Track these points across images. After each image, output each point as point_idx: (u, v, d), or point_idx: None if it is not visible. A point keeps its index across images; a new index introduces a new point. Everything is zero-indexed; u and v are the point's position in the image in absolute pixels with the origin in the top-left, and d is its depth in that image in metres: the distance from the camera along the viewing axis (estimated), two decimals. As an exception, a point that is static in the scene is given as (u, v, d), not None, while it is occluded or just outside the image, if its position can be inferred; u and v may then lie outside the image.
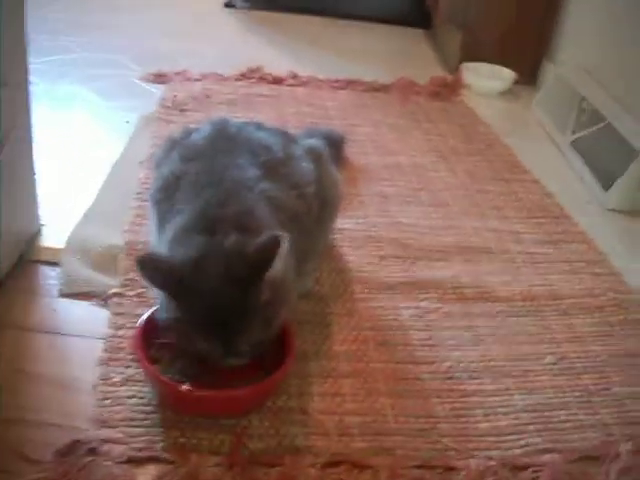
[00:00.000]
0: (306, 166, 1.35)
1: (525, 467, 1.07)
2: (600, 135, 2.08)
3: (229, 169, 1.20)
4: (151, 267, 1.01)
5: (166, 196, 1.22)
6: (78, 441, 1.00)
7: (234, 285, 1.01)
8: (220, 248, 1.03)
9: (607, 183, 1.93)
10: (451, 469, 1.05)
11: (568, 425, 1.16)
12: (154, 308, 1.12)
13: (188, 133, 1.37)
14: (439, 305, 1.42)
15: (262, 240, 1.03)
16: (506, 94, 2.74)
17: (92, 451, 1.00)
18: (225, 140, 1.30)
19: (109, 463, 0.99)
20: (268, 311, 1.04)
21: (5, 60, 1.25)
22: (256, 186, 1.19)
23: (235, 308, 1.00)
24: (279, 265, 1.03)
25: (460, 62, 2.84)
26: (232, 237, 1.04)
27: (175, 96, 2.30)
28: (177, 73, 2.52)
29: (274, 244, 1.02)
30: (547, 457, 1.09)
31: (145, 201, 1.48)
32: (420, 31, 3.57)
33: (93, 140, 2.00)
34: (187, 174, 1.21)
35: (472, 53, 2.85)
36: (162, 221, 1.20)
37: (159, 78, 2.48)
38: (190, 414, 1.07)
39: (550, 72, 2.70)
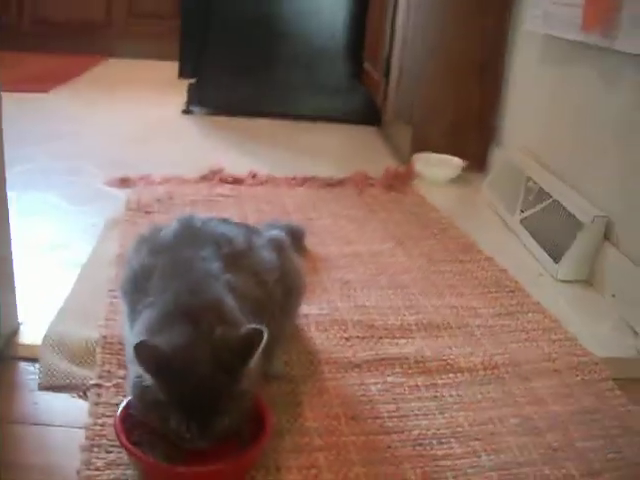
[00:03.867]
0: (267, 255, 1.43)
1: (497, 523, 1.12)
2: (547, 211, 2.20)
3: (195, 261, 1.28)
4: (146, 353, 1.07)
5: (136, 287, 1.29)
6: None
7: (219, 373, 1.08)
8: (206, 337, 1.12)
9: (557, 256, 2.03)
10: (426, 529, 1.10)
11: (535, 480, 1.21)
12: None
13: (157, 230, 1.45)
14: (405, 379, 1.48)
15: (246, 332, 1.13)
16: (457, 181, 2.87)
17: (78, 533, 1.02)
18: (190, 234, 1.39)
19: None
20: (244, 400, 1.12)
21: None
22: (221, 276, 1.27)
23: (217, 395, 1.07)
24: (258, 357, 1.12)
25: (411, 154, 2.97)
26: (218, 328, 1.13)
27: (139, 199, 2.38)
28: (140, 177, 2.60)
29: (257, 336, 1.11)
30: (517, 512, 1.14)
31: (117, 297, 1.54)
32: (371, 128, 3.73)
33: (62, 242, 2.06)
34: (155, 267, 1.29)
35: (422, 145, 2.99)
36: (133, 311, 1.27)
37: (123, 183, 2.56)
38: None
39: (497, 156, 2.84)
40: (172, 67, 3.94)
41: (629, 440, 1.33)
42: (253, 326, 1.13)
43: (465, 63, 2.93)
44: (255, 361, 1.12)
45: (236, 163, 2.87)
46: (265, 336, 1.11)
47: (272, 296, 1.38)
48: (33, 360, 1.46)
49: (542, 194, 2.25)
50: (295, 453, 1.23)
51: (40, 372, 1.41)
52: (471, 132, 2.97)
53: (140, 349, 1.06)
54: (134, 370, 1.12)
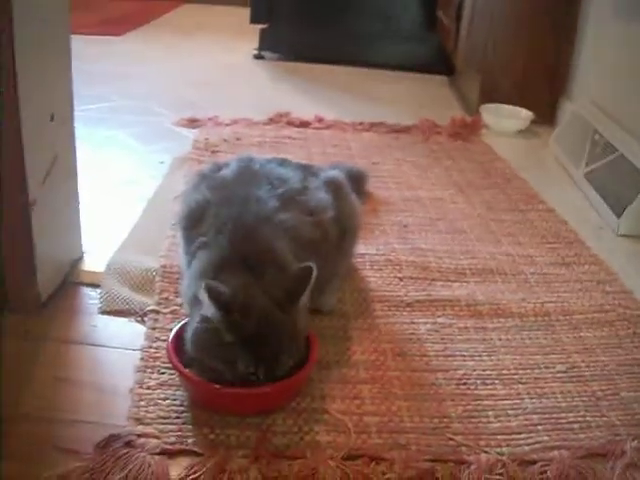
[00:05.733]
0: (322, 195, 1.46)
1: (533, 462, 1.13)
2: (612, 166, 2.17)
3: (249, 202, 1.31)
4: (216, 293, 1.10)
5: (192, 223, 1.34)
6: (115, 435, 1.09)
7: (279, 313, 1.14)
8: (259, 280, 1.17)
9: (619, 210, 2.00)
10: (462, 463, 1.11)
11: (576, 426, 1.22)
12: (184, 321, 1.25)
13: (216, 168, 1.49)
14: (454, 320, 1.50)
15: (296, 271, 1.19)
16: (524, 133, 2.84)
17: (128, 444, 1.08)
18: (248, 174, 1.42)
19: (144, 454, 1.07)
20: (301, 337, 1.18)
21: (53, 97, 1.40)
22: (274, 217, 1.30)
23: (282, 335, 1.13)
24: (308, 294, 1.18)
25: (480, 104, 2.94)
26: (269, 271, 1.18)
27: (207, 139, 2.43)
28: (209, 118, 2.67)
29: (307, 274, 1.17)
30: (555, 453, 1.15)
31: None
32: (442, 77, 3.70)
33: (130, 178, 2.14)
34: (211, 204, 1.34)
35: (490, 96, 2.96)
36: (188, 248, 1.32)
37: (192, 123, 2.63)
38: (220, 412, 1.16)
39: (566, 109, 2.79)
40: (244, 13, 3.96)
41: (677, 397, 1.32)
42: (302, 264, 1.18)
43: (540, 12, 2.86)
44: (306, 298, 1.17)
45: (304, 108, 2.90)
46: (314, 272, 1.16)
47: (327, 235, 1.41)
48: (95, 286, 1.52)
49: (609, 148, 2.22)
50: (341, 384, 1.27)
51: (101, 297, 1.48)
52: (542, 84, 2.92)
53: (211, 290, 1.10)
54: (196, 314, 1.17)
